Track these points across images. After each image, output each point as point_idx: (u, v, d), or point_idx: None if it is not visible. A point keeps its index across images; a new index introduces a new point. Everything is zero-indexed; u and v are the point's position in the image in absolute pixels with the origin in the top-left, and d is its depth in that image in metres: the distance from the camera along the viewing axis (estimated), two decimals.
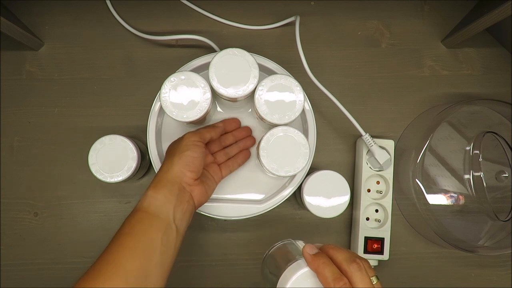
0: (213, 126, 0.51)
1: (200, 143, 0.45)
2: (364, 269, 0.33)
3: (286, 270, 0.35)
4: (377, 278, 0.34)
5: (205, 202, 0.47)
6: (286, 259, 0.38)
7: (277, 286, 0.35)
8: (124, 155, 0.50)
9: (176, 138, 0.48)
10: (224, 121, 0.54)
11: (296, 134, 0.47)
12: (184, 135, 0.46)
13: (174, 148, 0.45)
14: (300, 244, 0.41)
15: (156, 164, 0.52)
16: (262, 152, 0.47)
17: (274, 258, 0.41)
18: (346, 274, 0.33)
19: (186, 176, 0.43)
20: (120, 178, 0.49)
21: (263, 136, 0.48)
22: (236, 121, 0.55)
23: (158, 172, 0.44)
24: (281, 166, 0.47)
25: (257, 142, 0.54)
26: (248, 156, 0.54)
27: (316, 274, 0.34)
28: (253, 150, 0.55)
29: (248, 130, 0.55)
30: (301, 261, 0.36)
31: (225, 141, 0.53)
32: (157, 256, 0.38)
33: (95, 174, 0.50)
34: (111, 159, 0.50)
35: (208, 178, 0.48)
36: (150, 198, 0.41)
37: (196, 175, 0.44)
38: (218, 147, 0.53)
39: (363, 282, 0.33)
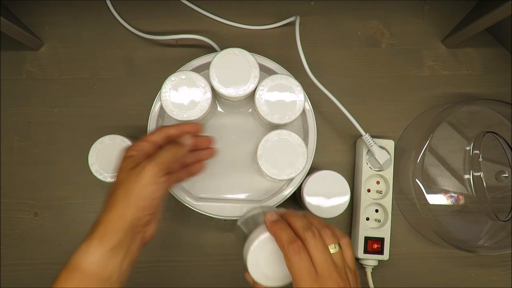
0: (178, 144, 0.42)
1: (162, 179, 0.37)
2: (318, 236, 0.35)
3: (251, 235, 0.39)
4: (339, 245, 0.36)
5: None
6: (256, 224, 0.42)
7: (244, 249, 0.39)
8: None
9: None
10: (194, 137, 0.44)
11: (290, 136, 0.47)
12: (144, 167, 0.36)
13: (128, 185, 0.37)
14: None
15: None
16: (260, 160, 0.47)
17: (249, 221, 0.45)
18: (301, 239, 0.35)
19: (143, 220, 0.37)
20: None
21: (258, 144, 0.47)
22: (205, 138, 0.49)
23: (104, 215, 0.36)
24: (281, 170, 0.47)
25: (256, 144, 0.54)
26: (201, 170, 0.49)
27: (274, 238, 0.37)
28: (253, 153, 0.55)
29: (209, 140, 0.50)
30: (264, 227, 0.39)
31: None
32: None
33: (95, 174, 0.50)
34: (111, 159, 0.49)
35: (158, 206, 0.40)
36: (93, 255, 0.35)
37: (153, 214, 0.39)
38: None
39: (316, 249, 0.35)
